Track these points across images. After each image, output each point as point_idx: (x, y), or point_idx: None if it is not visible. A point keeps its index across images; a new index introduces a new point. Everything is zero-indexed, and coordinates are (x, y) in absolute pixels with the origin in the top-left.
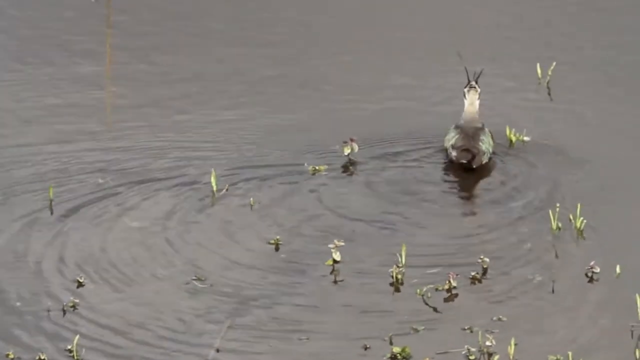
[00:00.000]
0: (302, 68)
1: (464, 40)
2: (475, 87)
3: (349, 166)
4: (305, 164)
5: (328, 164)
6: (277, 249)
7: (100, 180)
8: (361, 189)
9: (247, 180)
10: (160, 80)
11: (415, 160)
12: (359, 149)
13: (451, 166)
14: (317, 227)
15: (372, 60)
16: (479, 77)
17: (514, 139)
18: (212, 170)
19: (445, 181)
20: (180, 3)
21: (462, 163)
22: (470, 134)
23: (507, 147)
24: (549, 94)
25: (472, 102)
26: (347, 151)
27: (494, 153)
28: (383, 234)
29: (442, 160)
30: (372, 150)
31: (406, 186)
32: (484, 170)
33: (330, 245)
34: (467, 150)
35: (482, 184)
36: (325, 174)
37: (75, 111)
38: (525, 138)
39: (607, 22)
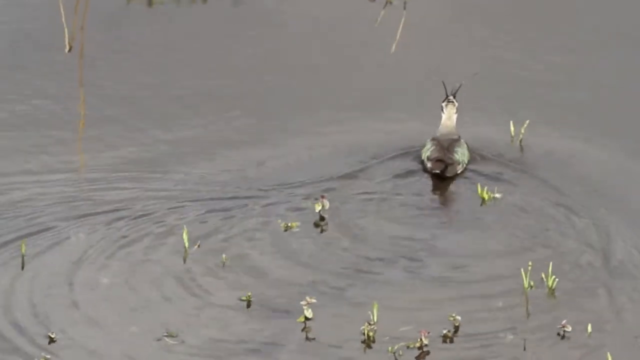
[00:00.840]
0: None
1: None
2: (452, 102)
3: (320, 222)
4: (278, 220)
5: (300, 220)
6: (248, 305)
7: (81, 235)
8: (333, 245)
9: (218, 233)
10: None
11: (385, 217)
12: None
13: (424, 222)
14: (290, 283)
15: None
16: (456, 92)
17: (486, 197)
18: (184, 226)
19: (418, 239)
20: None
21: (436, 173)
22: (445, 145)
23: (479, 204)
24: (522, 151)
25: (449, 116)
26: (318, 208)
27: (469, 163)
28: (355, 290)
29: (415, 215)
30: (345, 203)
31: (378, 243)
32: (456, 223)
33: (302, 302)
34: (440, 160)
35: (454, 239)
36: (297, 230)
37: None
38: (497, 195)
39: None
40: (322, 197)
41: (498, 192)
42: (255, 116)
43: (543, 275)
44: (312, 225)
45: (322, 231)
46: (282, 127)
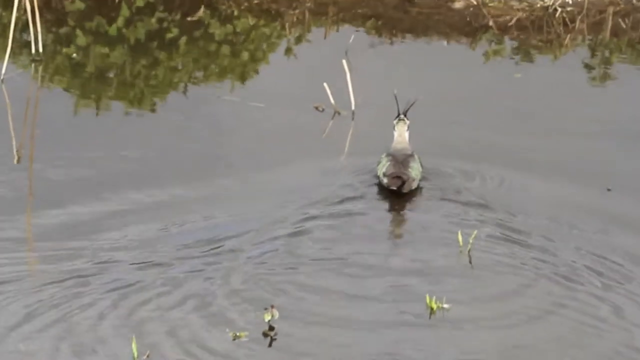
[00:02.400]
0: None
1: None
2: (403, 119)
3: (269, 333)
4: (227, 330)
5: (249, 330)
6: None
7: (21, 347)
8: (283, 357)
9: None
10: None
11: (336, 325)
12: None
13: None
14: None
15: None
16: (408, 109)
17: (434, 307)
18: (133, 336)
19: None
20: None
21: (393, 190)
22: (400, 160)
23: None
24: (470, 262)
25: (400, 133)
26: (267, 318)
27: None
28: None
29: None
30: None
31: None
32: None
33: None
34: (397, 177)
35: None
36: (246, 340)
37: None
38: (445, 305)
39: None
40: (272, 307)
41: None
42: (209, 222)
43: None
44: (261, 335)
45: (271, 342)
46: None
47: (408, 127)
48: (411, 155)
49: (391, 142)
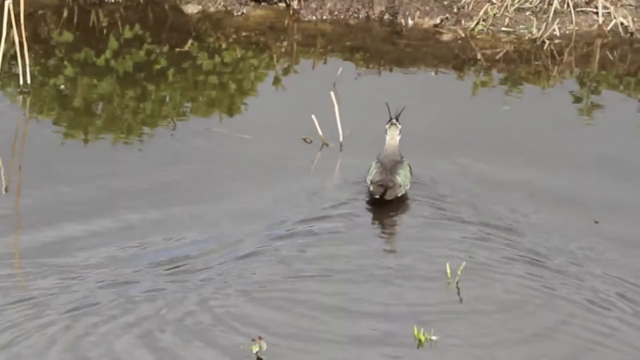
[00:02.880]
0: None
1: None
2: (395, 124)
3: None
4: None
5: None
6: None
7: None
8: None
9: None
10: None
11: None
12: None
13: None
14: None
15: None
16: (399, 114)
17: (422, 338)
18: None
19: None
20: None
21: (377, 197)
22: (388, 167)
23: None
24: (458, 294)
25: (392, 137)
26: (255, 349)
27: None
28: None
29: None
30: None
31: None
32: None
33: None
34: (381, 185)
35: None
36: None
37: None
38: (433, 337)
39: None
40: (260, 338)
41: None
42: (192, 248)
43: None
44: None
45: None
46: None
47: (400, 132)
48: (400, 162)
49: (382, 148)
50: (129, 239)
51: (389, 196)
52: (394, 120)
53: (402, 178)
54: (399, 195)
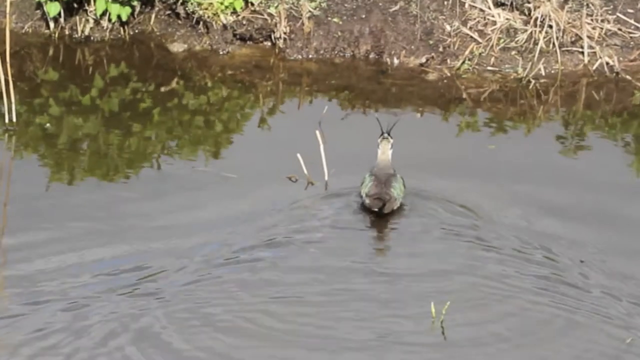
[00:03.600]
0: None
1: None
2: (387, 138)
3: None
4: None
5: None
6: None
7: None
8: None
9: None
10: None
11: None
12: None
13: None
14: None
15: None
16: (392, 128)
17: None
18: None
19: None
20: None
21: (375, 211)
22: (382, 180)
23: None
24: (443, 333)
25: (384, 152)
26: None
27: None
28: None
29: None
30: None
31: None
32: None
33: None
34: (378, 198)
35: None
36: None
37: None
38: None
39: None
40: None
41: None
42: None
43: None
44: None
45: None
46: None
47: (392, 146)
48: (393, 175)
49: (375, 161)
50: (101, 268)
51: (387, 209)
52: (385, 135)
53: (397, 191)
54: (395, 208)
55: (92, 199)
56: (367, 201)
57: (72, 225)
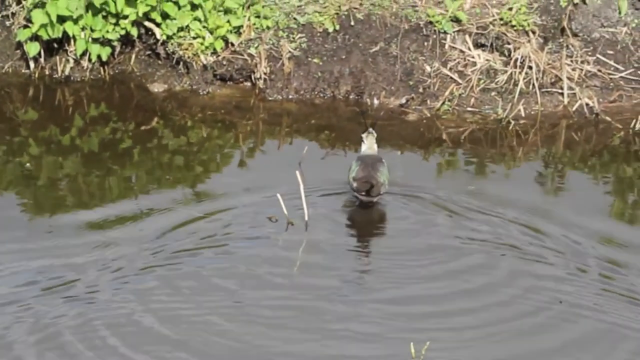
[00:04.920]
0: None
1: None
2: (372, 133)
3: None
4: None
5: None
6: None
7: None
8: None
9: None
10: None
11: None
12: None
13: None
14: None
15: None
16: (375, 123)
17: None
18: None
19: None
20: None
21: (362, 194)
22: (369, 163)
23: None
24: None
25: (370, 146)
26: None
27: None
28: None
29: None
30: None
31: None
32: None
33: None
34: (366, 181)
35: None
36: None
37: None
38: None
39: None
40: None
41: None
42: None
43: None
44: None
45: None
46: None
47: (376, 140)
48: (380, 161)
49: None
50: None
51: (374, 193)
52: (370, 130)
53: (383, 177)
54: (381, 193)
55: (70, 239)
56: (355, 185)
57: (48, 265)
